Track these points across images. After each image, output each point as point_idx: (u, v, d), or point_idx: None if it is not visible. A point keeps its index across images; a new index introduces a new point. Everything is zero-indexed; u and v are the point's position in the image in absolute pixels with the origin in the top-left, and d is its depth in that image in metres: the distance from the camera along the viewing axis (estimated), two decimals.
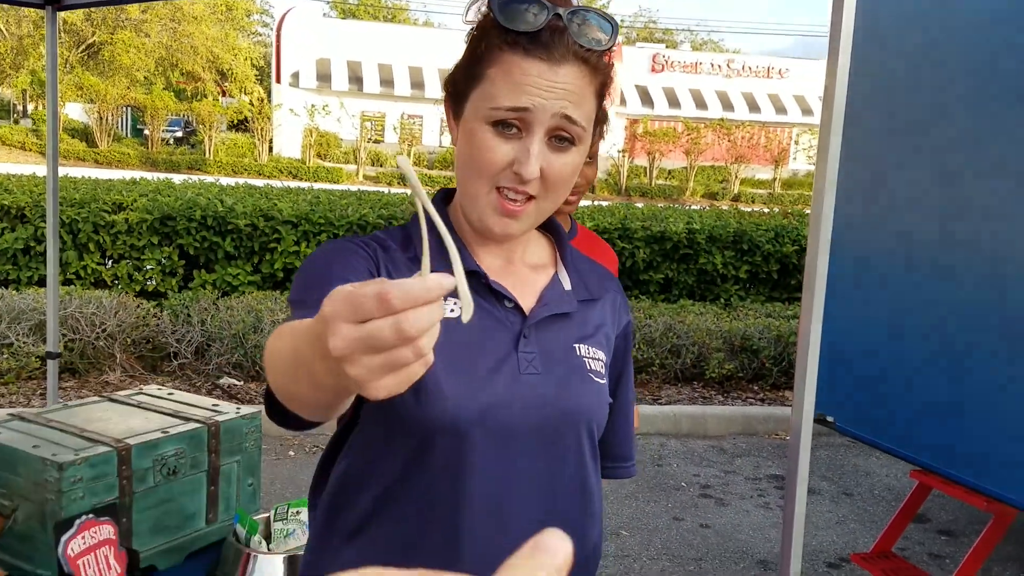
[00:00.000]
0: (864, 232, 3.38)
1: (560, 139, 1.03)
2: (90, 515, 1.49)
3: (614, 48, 1.06)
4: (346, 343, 0.61)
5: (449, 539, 1.05)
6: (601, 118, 1.11)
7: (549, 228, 1.23)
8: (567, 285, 1.17)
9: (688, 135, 29.85)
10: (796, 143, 33.63)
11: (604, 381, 1.14)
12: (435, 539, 1.05)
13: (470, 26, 1.09)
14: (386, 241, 1.12)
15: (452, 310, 1.05)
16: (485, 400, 1.04)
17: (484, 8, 1.05)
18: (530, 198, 1.05)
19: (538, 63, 1.00)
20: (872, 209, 3.35)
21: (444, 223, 1.09)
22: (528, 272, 1.17)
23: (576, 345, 1.13)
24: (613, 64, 1.08)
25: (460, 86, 1.08)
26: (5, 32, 28.76)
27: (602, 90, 1.08)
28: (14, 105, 33.27)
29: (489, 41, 1.03)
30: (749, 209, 8.91)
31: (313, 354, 0.69)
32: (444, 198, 1.19)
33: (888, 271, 3.25)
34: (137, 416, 1.88)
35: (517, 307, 1.11)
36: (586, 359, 1.13)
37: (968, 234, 2.92)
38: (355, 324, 0.61)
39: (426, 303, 0.61)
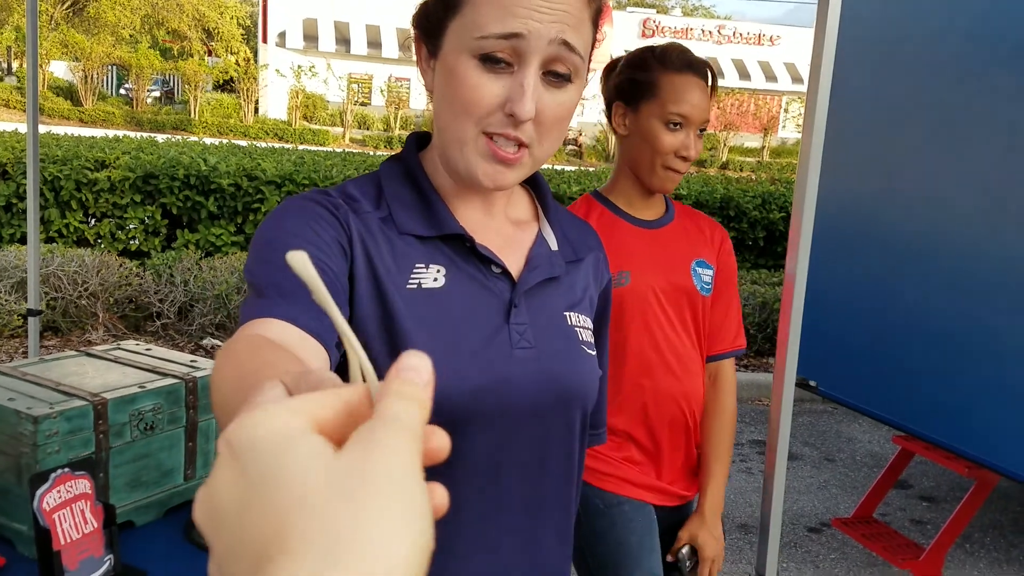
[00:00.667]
0: (848, 197, 3.37)
1: (556, 75, 0.91)
2: (66, 469, 1.47)
3: None
4: None
5: (444, 529, 0.99)
6: (591, 48, 0.99)
7: (530, 179, 1.12)
8: (553, 244, 1.08)
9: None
10: (786, 111, 33.52)
11: (594, 352, 1.07)
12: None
13: None
14: (355, 196, 0.99)
15: (435, 279, 0.97)
16: (476, 381, 0.95)
17: None
18: (521, 145, 0.93)
19: None
20: (857, 174, 3.34)
21: (419, 173, 1.03)
22: (511, 229, 1.06)
23: (566, 313, 1.05)
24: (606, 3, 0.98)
25: (434, 18, 0.96)
26: None
27: (597, 17, 0.96)
28: None
29: None
30: (737, 176, 8.89)
31: None
32: (417, 142, 1.08)
33: (872, 235, 3.25)
34: (114, 371, 1.86)
35: (505, 272, 1.01)
36: (577, 328, 1.05)
37: (953, 197, 2.91)
38: None
39: None
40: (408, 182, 1.03)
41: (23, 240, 6.06)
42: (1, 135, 7.36)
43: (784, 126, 33.43)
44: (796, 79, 34.49)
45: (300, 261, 0.40)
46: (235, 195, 6.51)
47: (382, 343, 0.93)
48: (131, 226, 6.46)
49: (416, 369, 0.39)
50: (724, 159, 29.32)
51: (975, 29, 2.86)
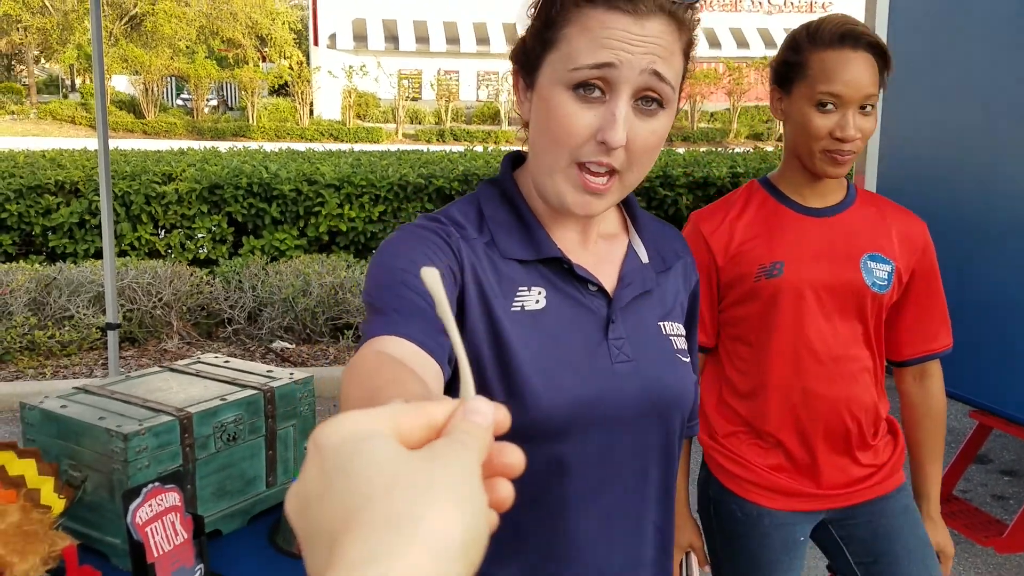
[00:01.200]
0: (913, 174, 3.30)
1: (647, 100, 0.94)
2: (156, 483, 1.54)
3: (699, 4, 0.97)
4: None
5: (554, 538, 1.03)
6: (683, 77, 1.01)
7: None
8: (644, 257, 1.11)
9: (730, 76, 29.23)
10: None
11: (689, 359, 1.11)
12: (542, 537, 1.02)
13: None
14: (460, 221, 1.04)
15: (537, 301, 1.02)
16: (579, 397, 0.99)
17: None
18: (613, 172, 0.96)
19: (622, 16, 0.91)
20: (916, 145, 3.26)
21: (516, 197, 1.07)
22: (604, 245, 1.10)
23: (661, 323, 1.09)
24: (698, 22, 0.99)
25: (532, 54, 0.99)
26: (51, 7, 29.13)
27: (688, 48, 0.98)
28: (62, 80, 33.80)
29: (563, 1, 0.95)
30: None
31: None
32: (512, 162, 1.11)
33: (940, 210, 3.18)
34: (196, 385, 1.94)
35: (601, 290, 1.05)
36: (672, 338, 1.09)
37: (1014, 170, 2.84)
38: None
39: None
40: (506, 205, 1.07)
41: (98, 255, 6.28)
42: (71, 153, 7.62)
43: None
44: None
45: (432, 277, 0.47)
46: (296, 200, 6.64)
47: (493, 362, 0.98)
48: (199, 235, 6.65)
49: (481, 413, 0.44)
50: (781, 131, 28.77)
51: None
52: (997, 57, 2.91)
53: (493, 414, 0.45)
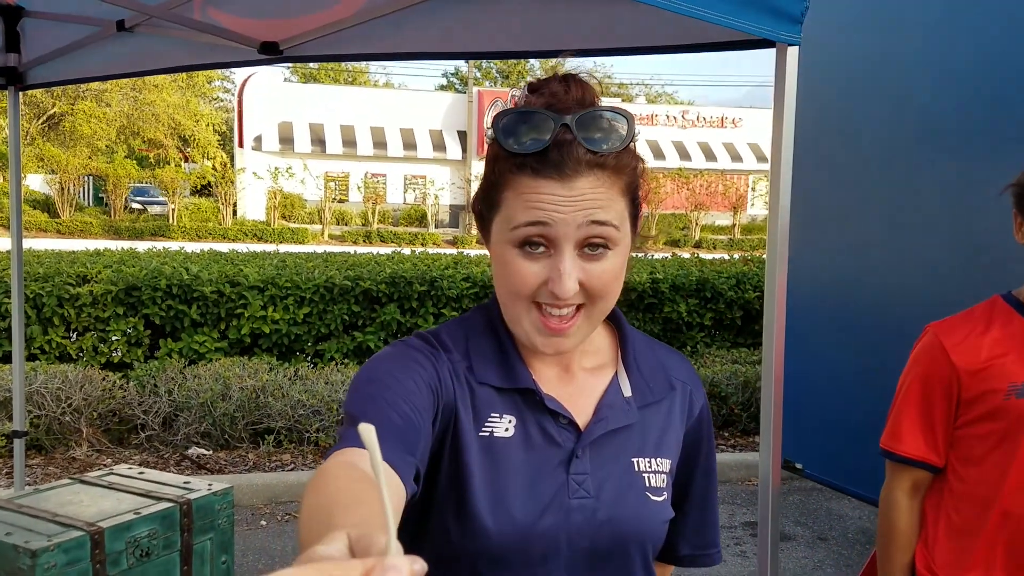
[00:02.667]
0: (824, 277, 3.47)
1: (593, 246, 0.97)
2: None
3: (635, 140, 1.00)
4: None
5: None
6: (636, 213, 1.04)
7: (612, 317, 1.16)
8: (627, 391, 1.11)
9: (647, 185, 30.25)
10: (753, 189, 34.30)
11: (663, 497, 1.10)
12: None
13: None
14: (448, 344, 1.07)
15: (507, 429, 1.04)
16: (529, 528, 1.00)
17: (490, 135, 1.01)
18: (579, 307, 1.00)
19: (549, 182, 0.95)
20: (828, 258, 3.45)
21: (499, 326, 1.10)
22: (586, 378, 1.11)
23: (635, 460, 1.08)
24: (638, 157, 1.03)
25: (484, 214, 1.05)
26: None
27: (631, 186, 1.02)
28: None
29: (500, 165, 0.99)
30: (711, 256, 9.05)
31: None
32: (490, 307, 1.14)
33: (850, 314, 3.34)
34: (109, 498, 1.88)
35: (572, 423, 1.06)
36: (645, 474, 1.08)
37: (914, 279, 3.02)
38: None
39: None
40: (490, 334, 1.10)
41: (5, 359, 6.04)
42: None
43: (753, 204, 34.13)
44: (760, 158, 35.39)
45: (368, 432, 0.49)
46: (218, 302, 6.55)
47: (448, 481, 1.01)
48: (114, 338, 6.47)
49: (397, 570, 0.45)
50: (697, 238, 29.79)
51: (922, 121, 3.02)
52: (892, 177, 3.13)
53: (409, 572, 0.46)
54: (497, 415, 1.04)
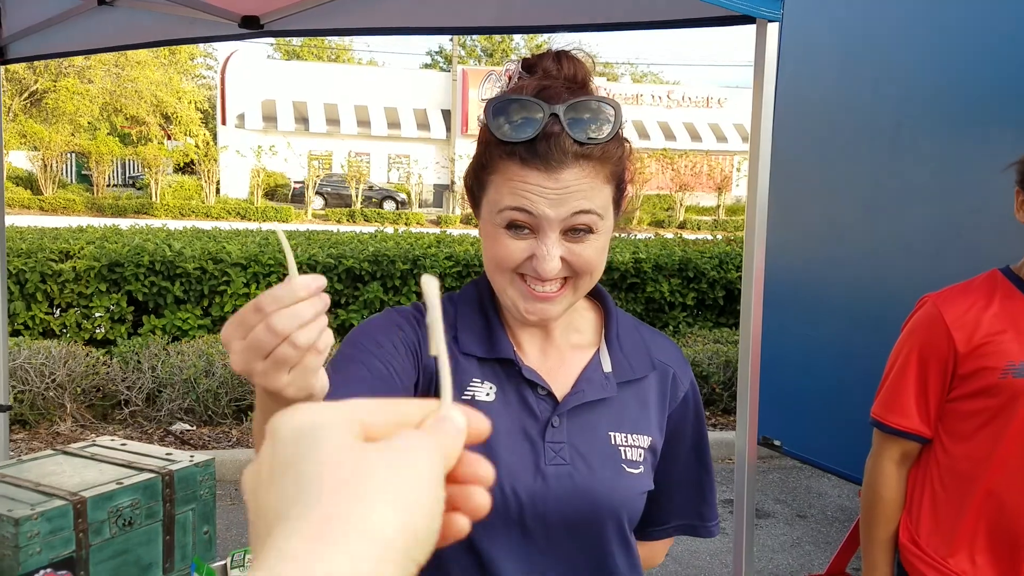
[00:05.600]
0: (800, 259, 3.51)
1: (576, 231, 1.02)
2: (48, 569, 1.50)
3: (621, 128, 1.03)
4: (239, 356, 0.69)
5: None
6: (619, 197, 1.08)
7: (597, 297, 1.22)
8: (607, 367, 1.14)
9: (633, 167, 30.28)
10: (738, 170, 34.32)
11: (640, 470, 1.12)
12: None
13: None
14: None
15: (487, 394, 1.07)
16: (509, 489, 1.03)
17: (481, 120, 1.04)
18: (565, 280, 1.04)
19: (535, 172, 0.98)
20: (806, 237, 3.48)
21: (487, 300, 1.15)
22: (569, 352, 1.15)
23: (611, 433, 1.11)
24: (625, 145, 1.06)
25: (474, 190, 1.09)
26: None
27: (616, 173, 1.05)
28: None
29: (490, 150, 1.03)
30: (693, 237, 9.10)
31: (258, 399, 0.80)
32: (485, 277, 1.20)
33: (829, 293, 3.38)
34: (91, 468, 1.89)
35: (551, 394, 1.10)
36: (621, 448, 1.11)
37: (892, 259, 3.05)
38: (242, 339, 0.68)
39: (293, 303, 0.67)
40: (477, 307, 1.15)
41: None
42: None
43: (738, 184, 34.19)
44: (745, 139, 35.32)
45: (429, 284, 0.48)
46: (201, 279, 6.53)
47: None
48: (97, 315, 6.44)
49: (453, 419, 0.44)
50: (681, 219, 29.86)
51: (902, 101, 3.05)
52: (872, 157, 3.16)
53: (464, 420, 0.44)
54: (478, 381, 1.08)
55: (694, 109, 36.82)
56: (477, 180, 1.07)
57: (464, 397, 1.07)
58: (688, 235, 9.81)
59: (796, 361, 3.44)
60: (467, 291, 1.18)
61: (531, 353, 1.13)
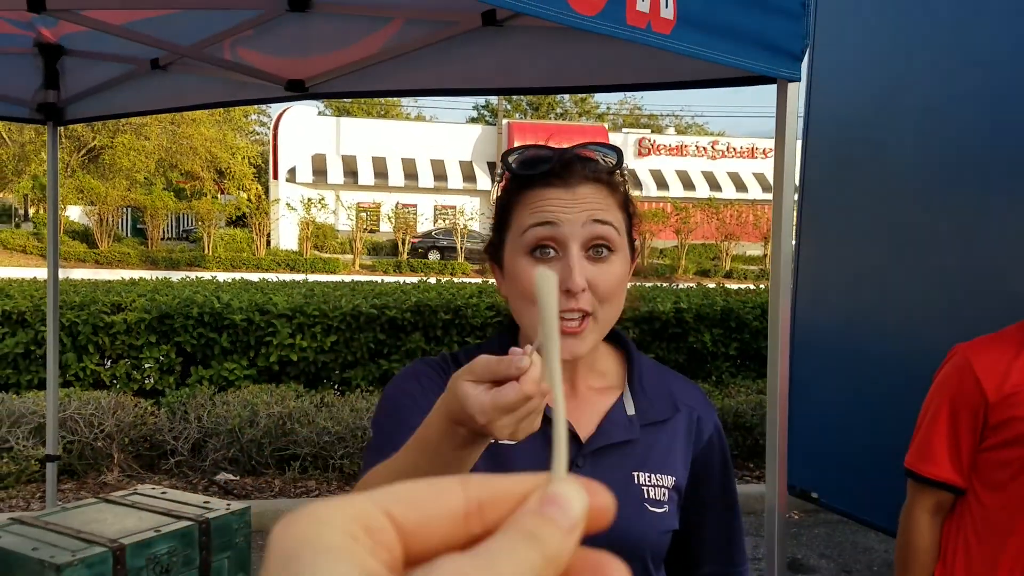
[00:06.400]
0: (838, 305, 3.49)
1: (597, 249, 1.07)
2: None
3: (624, 172, 1.15)
4: (504, 428, 0.80)
5: None
6: (631, 234, 1.15)
7: (619, 343, 1.25)
8: (630, 409, 1.17)
9: (677, 215, 30.34)
10: None
11: (664, 509, 1.14)
12: None
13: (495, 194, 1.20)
14: (463, 362, 1.10)
15: None
16: None
17: (501, 172, 1.15)
18: (585, 315, 1.06)
19: (554, 188, 1.08)
20: (842, 282, 3.47)
21: (508, 344, 1.14)
22: (593, 396, 1.18)
23: (635, 473, 1.13)
24: (627, 184, 1.16)
25: (496, 240, 1.16)
26: (7, 139, 29.42)
27: (626, 203, 1.14)
28: (15, 209, 33.77)
29: (510, 195, 1.12)
30: (736, 287, 9.04)
31: (436, 465, 0.85)
32: (509, 328, 1.23)
33: (864, 343, 3.35)
34: (131, 516, 1.95)
35: (574, 435, 1.12)
36: (645, 487, 1.13)
37: (937, 303, 3.03)
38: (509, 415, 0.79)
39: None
40: (499, 352, 1.15)
41: (41, 385, 6.20)
42: (20, 283, 7.61)
43: None
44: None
45: (545, 279, 0.36)
46: (248, 329, 6.67)
47: None
48: (147, 365, 6.61)
49: (562, 505, 0.29)
50: (727, 268, 29.67)
51: (938, 144, 3.05)
52: (900, 208, 3.16)
53: (583, 505, 0.30)
54: None
55: (739, 159, 36.80)
56: (499, 226, 1.15)
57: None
58: (731, 284, 9.75)
59: (832, 411, 3.40)
60: (494, 338, 1.22)
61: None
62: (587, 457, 1.11)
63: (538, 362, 0.77)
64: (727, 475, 1.27)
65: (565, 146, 1.13)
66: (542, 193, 1.08)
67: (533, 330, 1.10)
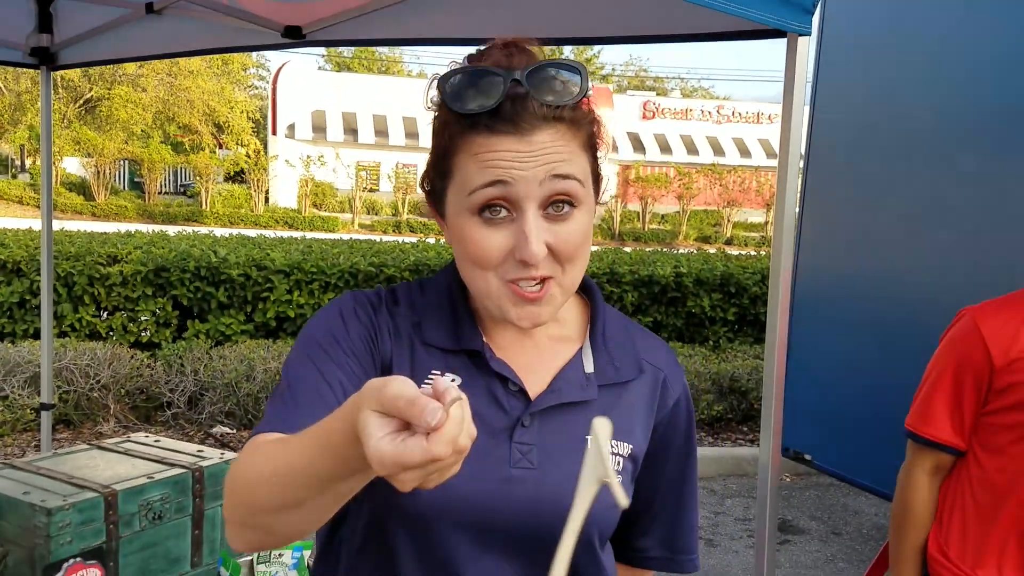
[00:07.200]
0: (838, 268, 3.47)
1: (558, 205, 0.92)
2: (78, 559, 1.54)
3: (589, 93, 0.94)
4: (407, 481, 0.66)
5: None
6: (597, 171, 0.98)
7: (586, 290, 1.10)
8: (589, 367, 1.04)
9: (680, 180, 30.19)
10: None
11: (618, 480, 0.99)
12: None
13: (432, 114, 0.98)
14: (399, 299, 1.04)
15: (453, 380, 0.98)
16: (458, 492, 0.90)
17: (436, 96, 0.95)
18: (546, 279, 0.93)
19: (505, 138, 0.89)
20: (840, 249, 3.44)
21: (456, 289, 1.05)
22: (548, 345, 1.05)
23: (588, 438, 0.97)
24: (594, 111, 0.97)
25: (436, 185, 0.99)
26: (3, 88, 29.15)
27: (591, 141, 0.96)
28: (12, 160, 33.57)
29: (451, 130, 0.93)
30: (737, 252, 9.02)
31: (338, 471, 0.73)
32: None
33: (863, 306, 3.33)
34: (124, 463, 1.94)
35: (522, 390, 1.00)
36: None
37: (929, 271, 3.01)
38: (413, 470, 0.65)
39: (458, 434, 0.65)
40: (446, 295, 1.05)
41: (36, 335, 6.19)
42: (15, 233, 7.57)
43: None
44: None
45: (602, 427, 0.39)
46: (244, 285, 6.65)
47: None
48: (143, 318, 6.59)
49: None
50: (729, 234, 29.61)
51: (945, 109, 3.00)
52: (909, 168, 3.12)
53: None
54: (438, 372, 0.99)
55: (744, 124, 36.54)
56: (439, 171, 0.97)
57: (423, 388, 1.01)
58: (732, 251, 9.73)
59: (829, 375, 3.39)
60: (438, 277, 1.08)
61: (503, 345, 1.02)
62: (535, 416, 0.99)
63: (456, 418, 0.65)
64: (690, 450, 1.14)
65: (514, 57, 0.92)
66: (490, 142, 0.89)
67: (481, 293, 0.96)
